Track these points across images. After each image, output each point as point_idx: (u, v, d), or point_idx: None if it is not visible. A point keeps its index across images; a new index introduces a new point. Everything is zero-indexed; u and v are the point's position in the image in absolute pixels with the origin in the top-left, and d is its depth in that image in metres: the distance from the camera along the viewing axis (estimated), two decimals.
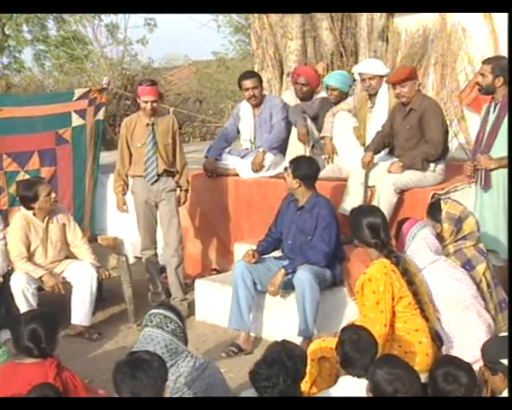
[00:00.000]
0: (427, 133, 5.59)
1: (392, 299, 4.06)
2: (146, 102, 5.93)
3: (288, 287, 5.19)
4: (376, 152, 5.85)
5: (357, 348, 3.53)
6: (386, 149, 5.98)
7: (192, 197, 6.63)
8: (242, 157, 6.84)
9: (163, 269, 6.36)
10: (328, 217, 5.20)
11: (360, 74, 6.26)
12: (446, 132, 5.77)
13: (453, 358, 3.60)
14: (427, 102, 5.69)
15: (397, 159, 5.77)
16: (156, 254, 6.24)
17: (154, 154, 5.98)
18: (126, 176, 6.16)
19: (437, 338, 4.18)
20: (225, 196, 6.79)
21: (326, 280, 5.20)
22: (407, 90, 5.63)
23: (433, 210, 4.77)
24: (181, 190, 6.18)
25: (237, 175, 6.79)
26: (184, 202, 6.27)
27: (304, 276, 5.00)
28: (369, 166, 5.76)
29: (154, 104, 5.96)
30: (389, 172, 5.68)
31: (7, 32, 16.48)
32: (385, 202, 5.52)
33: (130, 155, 6.08)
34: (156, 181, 6.00)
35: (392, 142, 5.89)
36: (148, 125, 6.00)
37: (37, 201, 5.61)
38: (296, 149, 6.47)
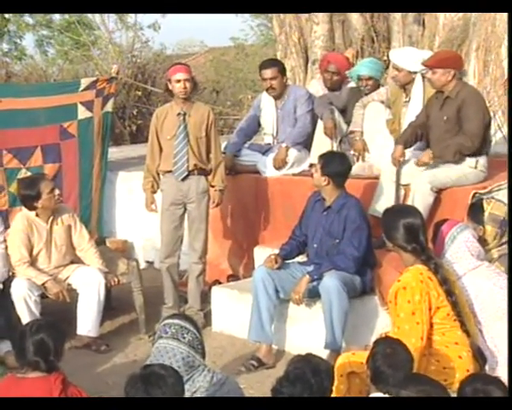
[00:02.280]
0: (465, 124, 5.55)
1: (429, 309, 4.05)
2: (178, 80, 5.86)
3: (313, 295, 5.19)
4: (408, 145, 5.79)
5: (390, 363, 3.52)
6: (423, 144, 5.93)
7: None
8: (264, 153, 6.85)
9: (181, 274, 6.38)
10: (358, 219, 5.19)
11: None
12: (488, 124, 5.72)
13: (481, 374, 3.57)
14: (467, 91, 5.64)
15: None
16: (178, 264, 6.14)
17: (184, 147, 5.91)
18: (157, 173, 6.07)
19: (479, 356, 4.14)
20: (245, 195, 6.80)
21: (355, 288, 5.19)
22: (436, 78, 5.60)
23: (475, 211, 4.74)
24: (215, 191, 6.06)
25: (258, 172, 6.79)
26: (218, 205, 6.17)
27: (331, 283, 4.99)
28: (400, 162, 5.72)
29: (187, 84, 5.86)
30: (418, 164, 5.63)
31: (6, 16, 16.61)
32: (420, 201, 5.49)
33: (161, 149, 6.01)
34: (186, 178, 5.93)
35: (427, 135, 5.84)
36: (179, 114, 5.94)
37: (39, 199, 5.63)
38: (322, 144, 6.47)
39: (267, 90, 6.75)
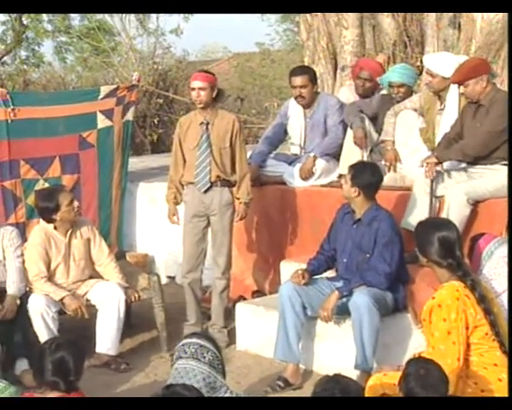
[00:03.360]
0: (485, 123, 5.54)
1: (466, 328, 4.01)
2: (193, 88, 5.90)
3: (342, 312, 5.17)
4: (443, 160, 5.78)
5: (424, 385, 3.48)
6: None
7: None
8: (290, 163, 6.84)
9: (204, 289, 6.38)
10: (390, 232, 5.17)
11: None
12: None
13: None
14: (498, 96, 5.63)
15: (469, 166, 5.71)
16: (200, 279, 6.15)
17: (207, 158, 5.90)
18: (180, 184, 6.07)
19: None
20: (270, 207, 6.80)
21: (387, 305, 5.16)
22: (470, 90, 5.59)
23: None
24: (240, 203, 6.04)
25: (284, 184, 6.79)
26: (243, 218, 6.14)
27: (361, 300, 4.97)
28: (432, 173, 5.69)
29: (202, 93, 5.86)
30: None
31: (25, 22, 16.79)
32: (456, 214, 5.45)
33: (185, 159, 6.02)
34: (209, 190, 5.93)
35: None
36: (201, 124, 5.95)
37: (58, 211, 5.66)
38: (352, 154, 6.45)
39: (296, 98, 6.75)
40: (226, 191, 5.99)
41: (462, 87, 5.65)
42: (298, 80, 6.69)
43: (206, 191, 5.94)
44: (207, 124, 5.93)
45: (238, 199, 6.06)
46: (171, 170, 6.14)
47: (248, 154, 6.87)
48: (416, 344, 5.02)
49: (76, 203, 5.79)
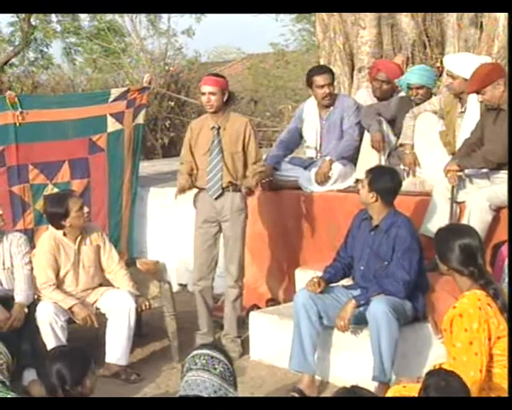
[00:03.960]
0: (506, 127, 5.51)
1: (489, 339, 3.98)
2: (203, 93, 5.90)
3: (360, 322, 5.16)
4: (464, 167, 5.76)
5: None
6: None
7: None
8: (305, 168, 6.84)
9: (217, 298, 6.38)
10: (409, 239, 5.15)
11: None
12: None
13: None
14: None
15: (491, 171, 5.68)
16: (212, 287, 6.14)
17: (218, 163, 5.88)
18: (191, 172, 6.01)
19: None
20: (285, 213, 6.79)
21: (406, 314, 5.15)
22: (488, 97, 5.57)
23: None
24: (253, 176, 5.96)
25: (299, 188, 6.79)
26: (250, 193, 6.08)
27: (379, 309, 4.96)
28: (455, 180, 5.67)
29: (212, 98, 5.85)
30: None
31: (33, 23, 16.89)
32: (477, 221, 5.43)
33: (197, 165, 5.98)
34: (221, 196, 5.93)
35: None
36: (212, 128, 5.94)
37: (67, 217, 5.67)
38: (369, 158, 6.45)
39: (323, 98, 6.72)
40: (238, 197, 5.98)
41: (479, 95, 5.62)
42: (323, 79, 6.67)
43: (217, 197, 5.94)
44: (219, 128, 5.92)
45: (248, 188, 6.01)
46: (180, 166, 6.11)
47: (263, 157, 6.88)
48: (436, 355, 5.00)
49: (86, 209, 5.83)
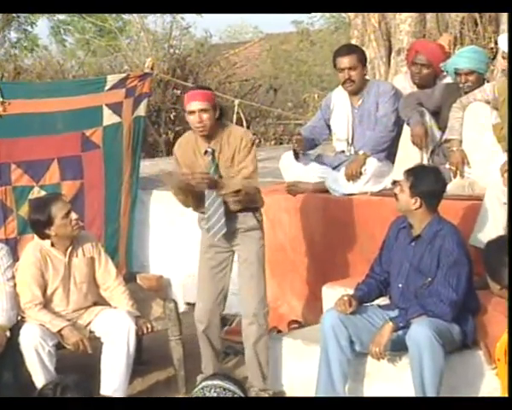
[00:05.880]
0: None
1: None
2: (192, 112, 5.57)
3: (398, 348, 5.17)
4: None
5: None
6: None
7: (264, 222, 6.66)
8: (334, 167, 6.84)
9: (231, 319, 6.39)
10: (457, 251, 5.15)
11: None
12: None
13: None
14: None
15: None
16: (220, 326, 6.02)
17: (217, 198, 5.60)
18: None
19: None
20: (310, 220, 6.81)
21: (453, 340, 5.15)
22: None
23: None
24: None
25: (326, 192, 6.81)
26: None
27: (421, 333, 4.96)
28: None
29: (205, 116, 5.56)
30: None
31: None
32: None
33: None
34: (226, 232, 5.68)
35: None
36: (206, 153, 5.69)
37: (52, 225, 5.69)
38: (409, 156, 6.45)
39: (344, 83, 6.74)
40: (249, 216, 5.79)
41: None
42: (345, 61, 6.69)
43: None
44: (213, 152, 5.68)
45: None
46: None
47: (286, 157, 6.87)
48: (489, 388, 5.01)
49: (74, 215, 5.77)
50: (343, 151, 6.91)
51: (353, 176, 6.63)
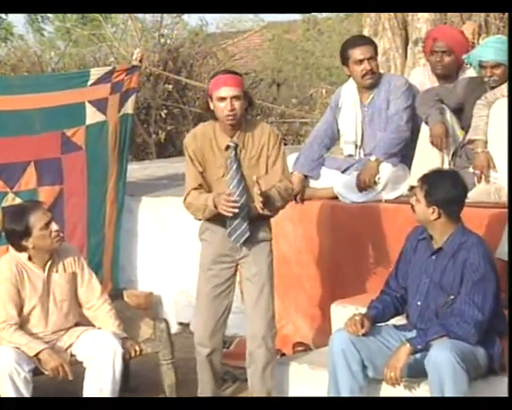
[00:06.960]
0: None
1: None
2: (223, 98, 5.53)
3: (416, 373, 5.15)
4: None
5: None
6: None
7: None
8: (343, 171, 6.84)
9: (229, 341, 6.40)
10: (482, 265, 5.13)
11: None
12: None
13: None
14: None
15: None
16: (221, 350, 5.98)
17: (241, 196, 5.56)
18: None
19: None
20: (317, 230, 6.82)
21: (478, 364, 5.14)
22: None
23: None
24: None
25: (336, 198, 6.81)
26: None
27: (443, 356, 4.94)
28: None
29: (237, 103, 5.52)
30: None
31: None
32: None
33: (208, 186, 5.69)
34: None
35: None
36: (228, 148, 5.67)
37: (29, 237, 5.68)
38: (428, 158, 6.46)
39: (363, 76, 6.72)
40: (262, 225, 5.76)
41: None
42: (364, 50, 6.68)
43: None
44: (236, 147, 5.66)
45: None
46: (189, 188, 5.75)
47: (291, 159, 6.85)
48: None
49: (54, 227, 5.77)
50: (351, 155, 6.91)
51: (366, 186, 6.62)
